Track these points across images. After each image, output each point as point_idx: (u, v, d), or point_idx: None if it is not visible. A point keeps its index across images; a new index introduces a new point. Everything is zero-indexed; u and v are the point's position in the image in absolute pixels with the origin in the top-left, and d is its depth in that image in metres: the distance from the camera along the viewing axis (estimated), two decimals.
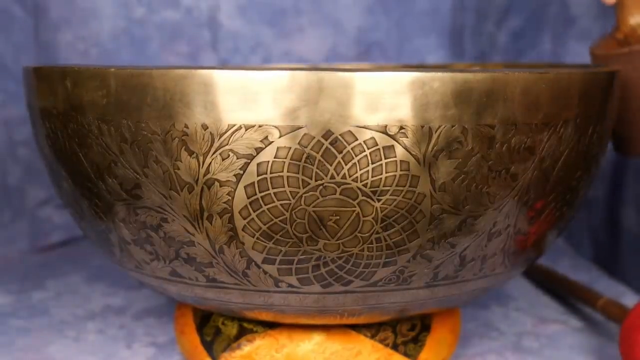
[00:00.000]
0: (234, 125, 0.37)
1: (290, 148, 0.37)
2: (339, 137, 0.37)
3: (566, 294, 0.66)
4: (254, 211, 0.38)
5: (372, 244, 0.40)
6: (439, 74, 0.37)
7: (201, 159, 0.38)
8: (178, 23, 0.87)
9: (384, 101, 0.37)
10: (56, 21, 0.83)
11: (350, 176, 0.37)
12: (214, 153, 0.38)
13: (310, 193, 0.38)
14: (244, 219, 0.39)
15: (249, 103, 0.37)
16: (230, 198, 0.38)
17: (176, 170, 0.39)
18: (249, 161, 0.37)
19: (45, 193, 0.85)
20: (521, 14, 0.90)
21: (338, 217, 0.38)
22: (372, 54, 0.91)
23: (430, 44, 0.91)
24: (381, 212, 0.39)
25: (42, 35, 0.83)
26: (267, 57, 0.90)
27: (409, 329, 0.50)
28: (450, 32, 0.91)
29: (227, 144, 0.37)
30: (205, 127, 0.37)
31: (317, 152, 0.37)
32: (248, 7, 0.87)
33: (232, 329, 0.50)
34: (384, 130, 0.37)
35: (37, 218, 0.85)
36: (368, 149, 0.37)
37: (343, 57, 0.90)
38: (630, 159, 0.69)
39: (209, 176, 0.38)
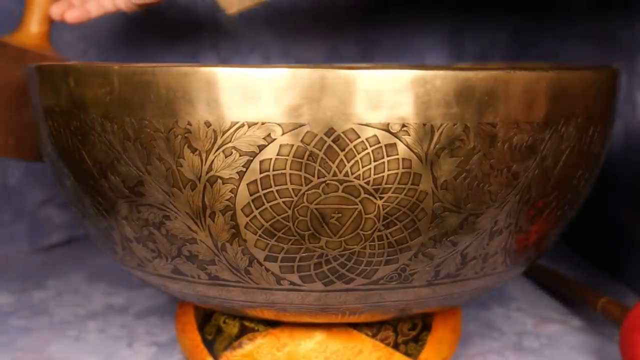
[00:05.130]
0: (237, 123, 0.37)
1: (292, 145, 0.37)
2: (342, 134, 0.37)
3: (566, 294, 0.66)
4: (257, 208, 0.39)
5: (374, 241, 0.40)
6: (441, 72, 0.37)
7: (204, 156, 0.38)
8: (178, 23, 0.87)
9: (386, 99, 0.37)
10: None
11: (352, 174, 0.38)
12: (216, 150, 0.38)
13: (313, 190, 0.38)
14: (247, 216, 0.39)
15: (252, 100, 0.37)
16: (232, 195, 0.38)
17: (179, 168, 0.39)
18: (252, 158, 0.38)
19: (46, 193, 0.85)
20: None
21: (340, 215, 0.39)
22: (372, 54, 0.91)
23: (430, 45, 0.91)
24: (383, 209, 0.39)
25: None
26: (266, 56, 0.90)
27: (410, 328, 0.51)
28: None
29: (230, 142, 0.37)
30: (208, 124, 0.37)
31: (320, 150, 0.37)
32: None
33: (233, 327, 0.50)
34: (386, 128, 0.37)
35: (38, 218, 0.85)
36: (370, 146, 0.37)
37: (343, 57, 0.90)
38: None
39: (211, 173, 0.38)
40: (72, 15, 0.67)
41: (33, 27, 0.68)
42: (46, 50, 0.68)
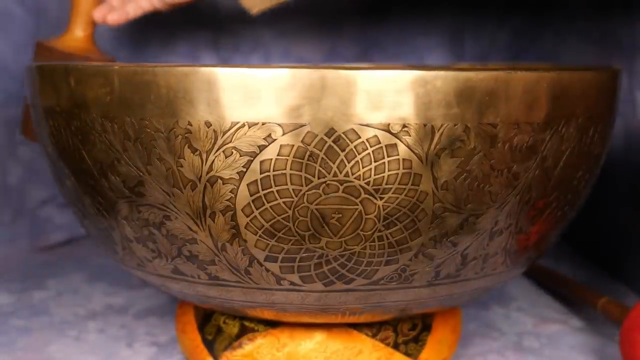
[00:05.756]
0: (237, 123, 0.37)
1: (293, 146, 0.37)
2: (342, 135, 0.37)
3: (567, 294, 0.66)
4: (257, 209, 0.39)
5: (374, 242, 0.40)
6: (442, 73, 0.37)
7: (204, 156, 0.38)
8: (179, 23, 0.87)
9: (386, 99, 0.37)
10: (56, 21, 0.83)
11: (352, 174, 0.38)
12: (217, 151, 0.38)
13: (313, 191, 0.38)
14: (247, 216, 0.39)
15: (252, 101, 0.37)
16: (233, 196, 0.38)
17: (179, 168, 0.39)
18: (252, 159, 0.38)
19: (46, 193, 0.85)
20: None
21: (340, 215, 0.39)
22: (372, 53, 0.91)
23: (430, 44, 0.91)
24: (383, 210, 0.39)
25: (42, 35, 0.83)
26: (267, 56, 0.90)
27: (410, 328, 0.51)
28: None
29: (231, 142, 0.37)
30: (208, 124, 0.37)
31: (320, 150, 0.37)
32: None
33: (233, 327, 0.50)
34: (386, 129, 0.37)
35: (38, 218, 0.85)
36: (371, 147, 0.37)
37: (343, 57, 0.90)
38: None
39: (212, 174, 0.38)
40: (113, 18, 0.71)
41: (78, 32, 0.71)
42: (91, 52, 0.72)
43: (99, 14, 0.71)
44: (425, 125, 0.38)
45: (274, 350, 0.48)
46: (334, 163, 0.37)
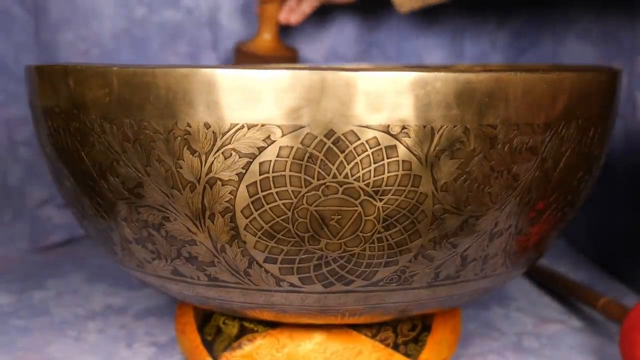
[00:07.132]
0: (237, 125, 0.37)
1: (292, 147, 0.37)
2: (341, 136, 0.37)
3: (566, 294, 0.66)
4: (256, 210, 0.39)
5: (374, 243, 0.40)
6: (442, 74, 0.37)
7: (203, 158, 0.38)
8: (178, 23, 0.87)
9: (386, 101, 0.37)
10: (56, 21, 0.83)
11: (352, 176, 0.38)
12: (216, 152, 0.38)
13: (313, 192, 0.38)
14: (246, 218, 0.39)
15: (252, 102, 0.37)
16: (232, 197, 0.38)
17: (178, 169, 0.39)
18: (251, 160, 0.38)
19: (46, 193, 0.85)
20: (522, 12, 0.91)
21: (340, 217, 0.39)
22: (372, 54, 0.91)
23: (430, 44, 0.91)
24: (383, 211, 0.39)
25: (42, 35, 0.83)
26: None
27: (410, 329, 0.51)
28: (450, 32, 0.91)
29: (230, 143, 0.37)
30: (207, 126, 0.37)
31: (320, 152, 0.37)
32: (248, 7, 0.87)
33: (232, 328, 0.50)
34: (386, 130, 0.37)
35: (38, 218, 0.85)
36: (370, 148, 0.37)
37: (343, 58, 0.90)
38: None
39: (211, 175, 0.38)
40: (295, 18, 0.81)
41: (267, 35, 0.82)
42: (279, 50, 0.82)
43: (283, 17, 0.81)
44: (425, 126, 0.37)
45: (274, 351, 0.48)
46: (333, 164, 0.37)
